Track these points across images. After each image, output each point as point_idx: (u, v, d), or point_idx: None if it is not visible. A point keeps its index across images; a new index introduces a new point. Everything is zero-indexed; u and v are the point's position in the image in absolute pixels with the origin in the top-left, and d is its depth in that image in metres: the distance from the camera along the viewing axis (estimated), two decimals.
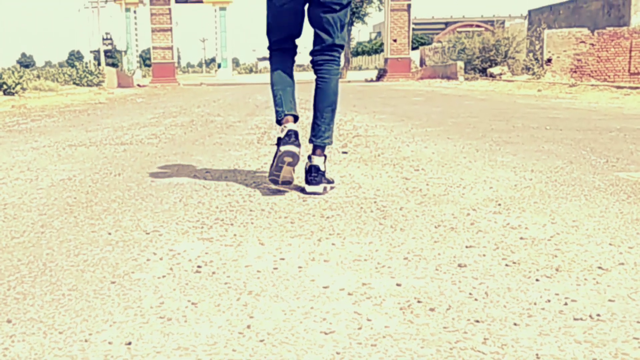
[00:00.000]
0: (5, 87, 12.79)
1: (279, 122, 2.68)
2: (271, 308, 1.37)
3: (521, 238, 1.90)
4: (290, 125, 2.62)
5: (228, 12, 55.36)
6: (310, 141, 2.72)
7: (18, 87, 12.97)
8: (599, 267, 1.61)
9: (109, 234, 2.02)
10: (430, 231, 1.99)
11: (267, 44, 2.87)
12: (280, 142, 2.59)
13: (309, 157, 2.68)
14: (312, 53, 2.78)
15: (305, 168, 2.66)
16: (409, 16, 24.89)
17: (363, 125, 5.72)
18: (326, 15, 2.66)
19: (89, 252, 1.81)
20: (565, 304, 1.37)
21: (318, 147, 2.70)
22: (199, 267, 1.67)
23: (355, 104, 9.30)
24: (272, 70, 2.82)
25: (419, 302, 1.39)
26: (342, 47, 2.77)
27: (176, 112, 8.19)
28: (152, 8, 24.46)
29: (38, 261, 1.73)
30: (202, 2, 52.70)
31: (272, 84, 2.78)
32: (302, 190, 2.66)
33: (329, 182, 2.73)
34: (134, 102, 11.82)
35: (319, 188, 2.61)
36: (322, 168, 2.65)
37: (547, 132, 4.84)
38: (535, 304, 1.37)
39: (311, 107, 2.89)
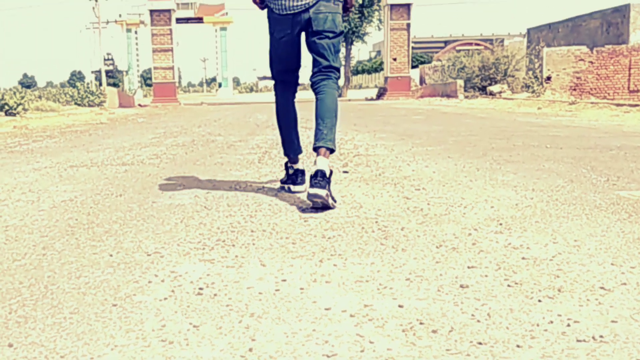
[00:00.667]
0: (7, 107, 12.86)
1: (286, 155, 3.22)
2: (273, 330, 1.37)
3: (523, 258, 1.89)
4: (297, 165, 3.19)
5: (229, 32, 55.92)
6: (315, 145, 2.81)
7: (20, 108, 13.04)
8: (601, 288, 1.61)
9: (111, 255, 2.02)
10: (432, 251, 1.99)
11: (269, 71, 3.18)
12: (289, 177, 3.21)
13: (315, 161, 2.75)
14: (311, 76, 3.00)
15: (311, 174, 2.70)
16: (409, 35, 25.07)
17: (364, 144, 5.74)
18: (321, 41, 2.92)
19: (91, 275, 1.81)
20: (568, 325, 1.37)
21: (321, 148, 2.78)
22: (200, 289, 1.66)
23: (356, 122, 9.34)
24: (277, 103, 3.20)
25: (421, 323, 1.39)
26: (338, 69, 2.99)
27: (177, 132, 8.22)
28: (153, 29, 24.67)
29: (39, 284, 1.73)
30: (202, 22, 53.21)
31: (280, 123, 3.19)
32: (303, 209, 2.68)
33: (333, 198, 2.79)
34: (135, 122, 11.87)
35: (322, 192, 2.64)
36: (327, 173, 2.69)
37: (548, 151, 4.85)
38: (538, 325, 1.37)
39: (312, 125, 3.05)
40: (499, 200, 2.83)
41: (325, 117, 2.85)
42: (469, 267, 1.81)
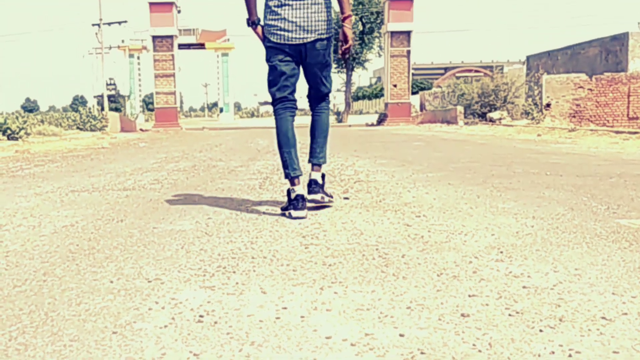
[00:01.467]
0: (9, 132, 12.92)
1: (287, 178, 3.35)
2: (273, 359, 1.36)
3: (524, 287, 1.89)
4: (298, 190, 3.26)
5: (230, 58, 56.40)
6: (309, 161, 3.47)
7: (22, 132, 13.11)
8: (603, 317, 1.61)
9: (111, 282, 2.02)
10: (433, 279, 1.99)
11: (269, 97, 3.45)
12: (290, 202, 3.25)
13: (310, 173, 3.42)
14: (308, 100, 3.58)
15: (307, 182, 3.38)
16: (409, 62, 25.30)
17: (364, 170, 5.76)
18: (316, 71, 3.41)
19: (91, 301, 1.81)
20: (570, 355, 1.36)
21: (315, 165, 3.45)
22: (201, 316, 1.66)
23: (357, 148, 9.38)
24: (277, 126, 3.40)
25: (422, 353, 1.39)
26: (328, 93, 3.53)
27: (178, 157, 8.25)
28: (156, 54, 24.91)
29: (40, 310, 1.73)
30: (204, 48, 53.77)
31: (279, 144, 3.38)
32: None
33: (328, 195, 3.53)
34: (137, 146, 11.92)
35: (317, 196, 3.36)
36: (319, 181, 3.41)
37: (548, 178, 4.87)
38: (539, 355, 1.36)
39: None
40: (499, 228, 2.84)
41: (319, 138, 3.49)
42: (469, 296, 1.81)
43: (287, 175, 3.33)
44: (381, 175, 5.35)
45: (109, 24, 40.90)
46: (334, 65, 34.19)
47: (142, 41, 54.09)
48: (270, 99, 3.44)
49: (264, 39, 3.34)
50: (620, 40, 20.58)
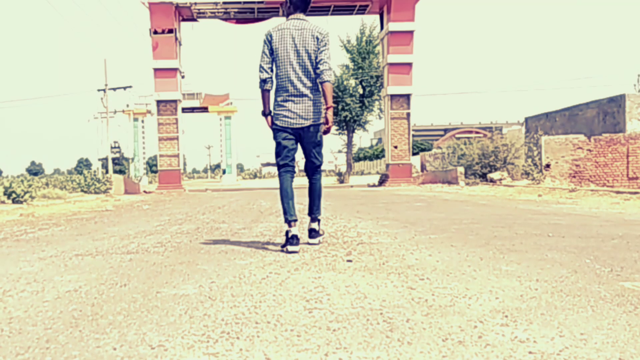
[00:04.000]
0: (14, 195, 13.01)
1: (286, 222, 4.39)
2: None
3: (530, 352, 1.88)
4: (293, 231, 4.34)
5: (233, 120, 57.27)
6: (309, 215, 4.77)
7: (27, 196, 13.20)
8: None
9: (114, 349, 2.01)
10: (438, 345, 1.98)
11: (272, 158, 4.44)
12: (287, 240, 4.37)
13: (309, 224, 4.78)
14: (305, 169, 4.80)
15: (308, 230, 4.79)
16: (409, 124, 25.66)
17: (367, 232, 5.77)
18: (311, 148, 4.63)
19: None
20: None
21: (313, 218, 4.76)
22: None
23: (359, 209, 9.40)
24: (280, 183, 4.60)
25: None
26: (320, 165, 4.73)
27: (182, 219, 8.28)
28: (160, 118, 25.31)
29: None
30: (207, 111, 54.72)
31: (282, 197, 4.53)
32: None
33: (321, 235, 4.85)
34: (141, 209, 11.96)
35: (315, 240, 4.73)
36: (317, 229, 4.75)
37: (550, 240, 4.87)
38: None
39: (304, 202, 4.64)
40: (503, 291, 2.83)
41: (315, 199, 4.76)
42: None
43: (286, 220, 4.40)
44: (384, 236, 5.36)
45: (114, 89, 41.77)
46: (335, 128, 34.71)
47: (147, 105, 55.12)
48: (273, 161, 4.76)
49: (272, 124, 4.57)
50: (617, 101, 20.94)
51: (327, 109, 4.49)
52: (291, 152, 4.57)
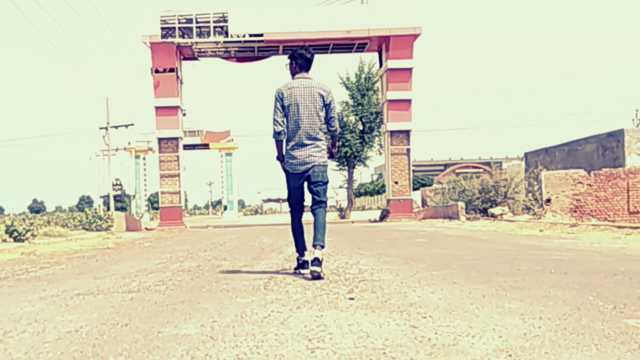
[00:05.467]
0: (16, 234, 13.01)
1: (297, 251, 5.48)
2: None
3: None
4: (305, 257, 5.35)
5: (234, 157, 57.52)
6: (313, 244, 5.02)
7: (28, 234, 13.19)
8: None
9: None
10: None
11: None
12: (299, 265, 5.47)
13: (314, 252, 5.00)
14: (311, 206, 5.37)
15: (311, 259, 5.03)
16: (409, 159, 25.78)
17: (369, 269, 5.75)
18: (316, 187, 5.31)
19: None
20: None
21: (317, 246, 5.00)
22: None
23: (361, 246, 9.38)
24: (292, 221, 5.54)
25: None
26: (323, 201, 5.31)
27: (183, 257, 8.26)
28: (161, 155, 25.44)
29: None
30: (209, 148, 54.99)
31: (293, 232, 5.51)
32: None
33: (322, 272, 5.09)
34: (142, 246, 11.94)
35: (317, 269, 4.95)
36: (320, 258, 4.98)
37: (553, 276, 4.86)
38: None
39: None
40: (506, 330, 2.82)
41: (319, 229, 5.14)
42: None
43: (297, 250, 5.48)
44: (386, 273, 5.34)
45: (116, 127, 42.15)
46: (335, 163, 34.87)
47: (148, 142, 55.41)
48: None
49: (284, 169, 5.35)
50: (616, 136, 21.07)
51: (332, 145, 5.57)
52: (299, 193, 5.39)
